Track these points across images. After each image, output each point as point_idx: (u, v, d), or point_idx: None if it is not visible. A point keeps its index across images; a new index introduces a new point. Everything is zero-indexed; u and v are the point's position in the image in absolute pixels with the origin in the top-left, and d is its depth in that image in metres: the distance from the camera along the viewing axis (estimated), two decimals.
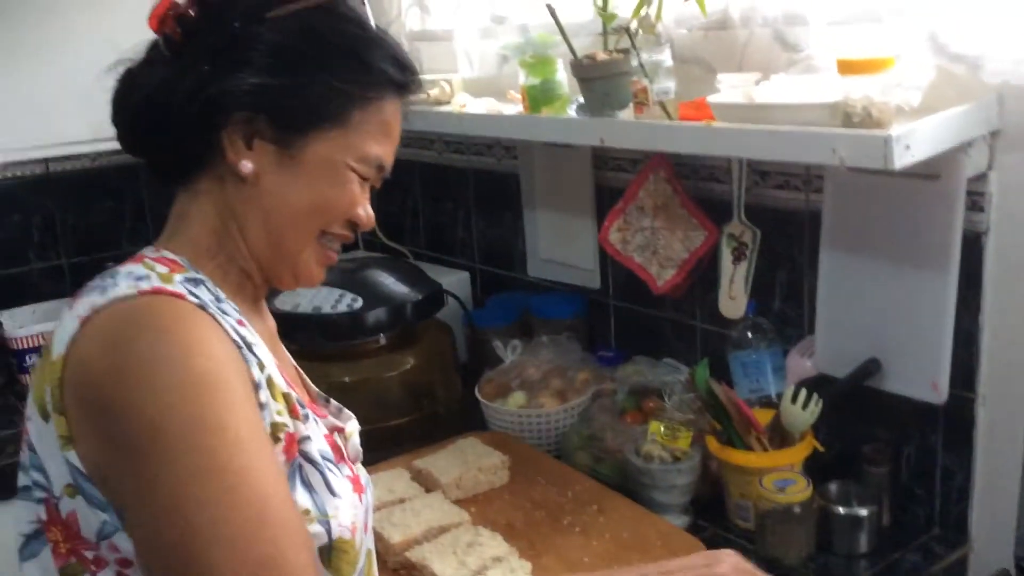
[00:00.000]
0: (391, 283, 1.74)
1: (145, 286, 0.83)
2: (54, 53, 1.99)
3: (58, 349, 0.82)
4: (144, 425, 0.75)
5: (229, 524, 0.74)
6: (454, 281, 2.12)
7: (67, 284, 2.37)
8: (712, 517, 1.47)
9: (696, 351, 1.73)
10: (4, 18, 1.95)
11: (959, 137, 1.21)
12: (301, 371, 1.07)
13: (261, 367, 0.86)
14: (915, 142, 1.14)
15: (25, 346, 2.08)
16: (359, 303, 1.66)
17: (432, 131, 2.11)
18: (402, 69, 0.95)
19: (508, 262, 2.13)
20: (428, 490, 1.51)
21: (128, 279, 0.84)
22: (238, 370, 0.82)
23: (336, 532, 0.87)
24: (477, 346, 1.96)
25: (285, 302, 1.71)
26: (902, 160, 1.14)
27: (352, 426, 1.04)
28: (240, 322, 0.88)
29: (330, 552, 0.86)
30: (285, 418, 0.86)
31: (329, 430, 0.96)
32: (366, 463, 1.58)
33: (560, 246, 1.96)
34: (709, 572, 0.90)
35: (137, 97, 0.91)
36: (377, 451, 1.65)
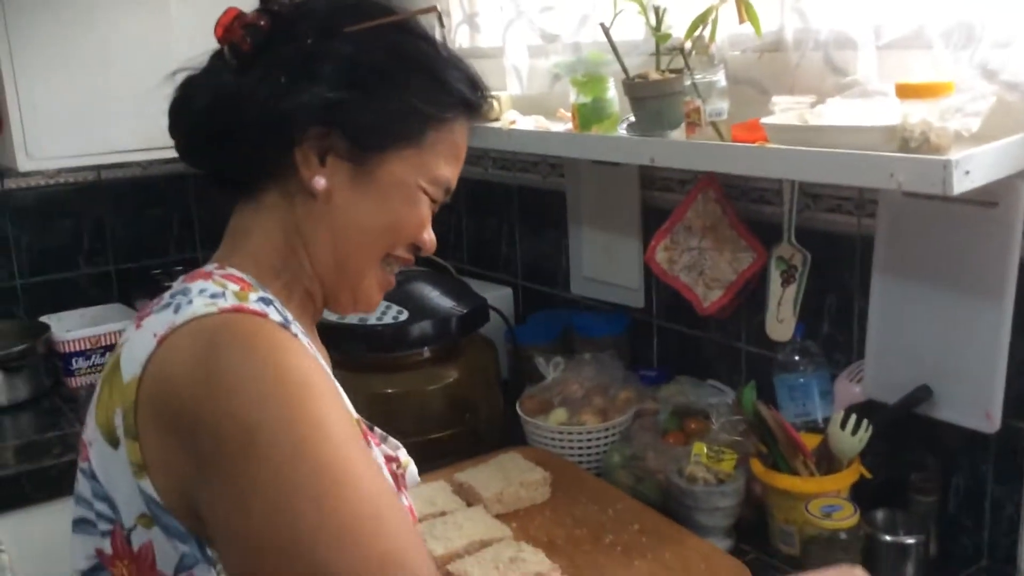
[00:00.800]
0: (436, 297, 1.74)
1: (224, 304, 0.80)
2: (107, 63, 2.03)
3: (131, 370, 0.79)
4: (240, 432, 0.72)
5: (346, 520, 0.70)
6: (497, 297, 2.13)
7: (114, 290, 2.41)
8: (755, 541, 1.46)
9: (740, 372, 1.72)
10: (58, 28, 1.99)
11: (1019, 164, 1.19)
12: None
13: (337, 385, 0.85)
14: (974, 168, 1.13)
15: (72, 349, 2.12)
16: (404, 315, 1.67)
17: (480, 147, 2.13)
18: (476, 90, 0.94)
19: (551, 279, 2.13)
20: (470, 504, 1.51)
21: (203, 296, 0.81)
22: (327, 378, 0.81)
23: None
24: (519, 362, 1.96)
25: (331, 313, 1.72)
26: (961, 186, 1.12)
27: (404, 455, 1.02)
28: (310, 351, 0.85)
29: None
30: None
31: (386, 459, 0.94)
32: None
33: (604, 264, 1.96)
34: None
35: (200, 106, 0.89)
36: (419, 464, 1.63)
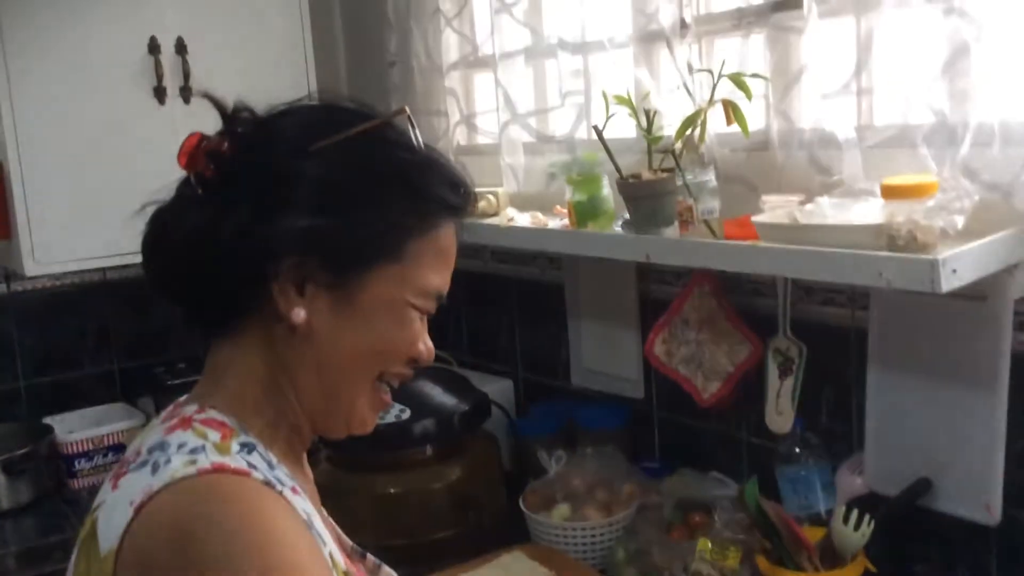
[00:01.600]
0: (438, 393, 1.76)
1: (204, 463, 0.76)
2: (115, 164, 2.08)
3: (108, 542, 0.75)
4: None
5: None
6: (497, 389, 2.14)
7: (117, 389, 2.42)
8: None
9: (742, 464, 1.72)
10: (65, 132, 2.05)
11: (1005, 260, 1.22)
12: (335, 527, 0.97)
13: (324, 544, 0.81)
14: (961, 266, 1.16)
15: (75, 451, 2.12)
16: (407, 414, 1.68)
17: (479, 243, 2.16)
18: (457, 191, 0.89)
19: (552, 371, 2.14)
20: None
21: (181, 454, 0.77)
22: (312, 550, 0.76)
23: None
24: (521, 455, 1.97)
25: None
26: (949, 283, 1.15)
27: None
28: (294, 489, 0.81)
29: None
30: None
31: None
32: None
33: (604, 356, 1.98)
34: None
35: (171, 242, 0.85)
36: (423, 565, 1.65)
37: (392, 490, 1.69)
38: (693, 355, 1.72)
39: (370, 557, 0.99)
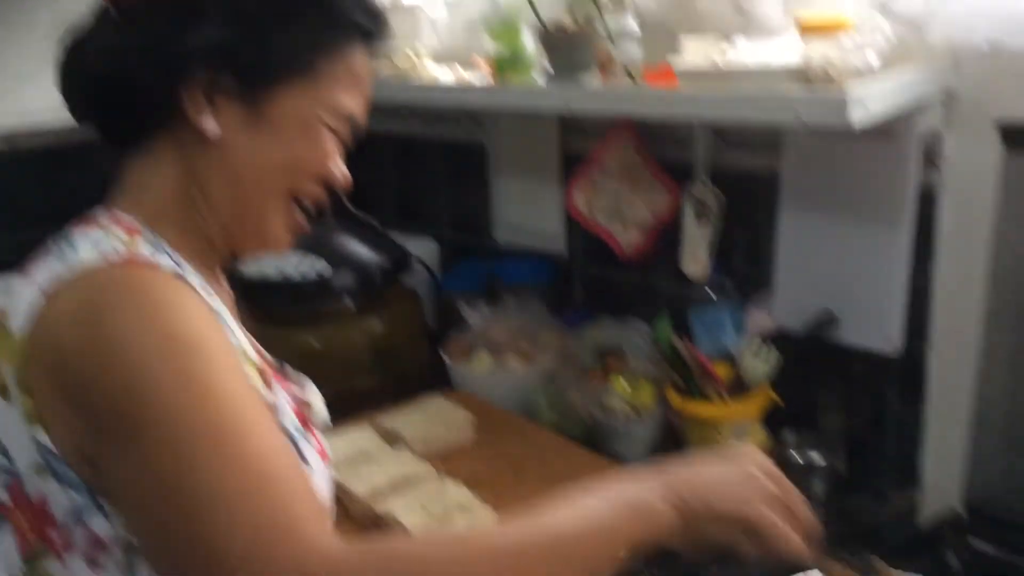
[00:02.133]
0: (359, 248, 1.75)
1: (111, 254, 0.78)
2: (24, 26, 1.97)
3: (19, 325, 0.77)
4: (130, 397, 0.71)
5: (227, 484, 0.69)
6: (422, 250, 2.14)
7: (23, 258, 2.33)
8: None
9: (660, 310, 1.76)
10: None
11: (915, 97, 1.25)
12: (254, 340, 1.00)
13: (234, 336, 0.84)
14: (872, 102, 1.18)
15: None
16: (327, 268, 1.67)
17: (398, 101, 2.12)
18: (369, 15, 0.91)
19: (476, 230, 2.15)
20: (394, 447, 1.54)
21: (88, 244, 0.79)
22: (220, 336, 0.79)
23: None
24: (445, 312, 1.99)
25: (251, 268, 1.72)
26: (860, 119, 1.17)
27: (314, 394, 1.01)
28: (205, 290, 0.84)
29: None
30: (261, 388, 0.84)
31: (295, 400, 0.93)
32: (333, 424, 1.61)
33: (527, 212, 1.99)
34: (743, 485, 0.87)
35: (87, 64, 0.87)
36: (345, 414, 1.67)
37: (313, 343, 1.70)
38: (613, 206, 1.74)
39: (289, 368, 1.02)
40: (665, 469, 0.87)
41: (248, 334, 0.97)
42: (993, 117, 1.21)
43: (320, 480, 0.89)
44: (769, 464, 0.90)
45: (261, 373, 0.87)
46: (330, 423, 1.02)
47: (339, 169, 0.93)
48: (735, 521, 0.85)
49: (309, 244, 1.75)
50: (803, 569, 1.02)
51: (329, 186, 0.93)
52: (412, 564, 0.71)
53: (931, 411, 1.38)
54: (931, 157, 1.31)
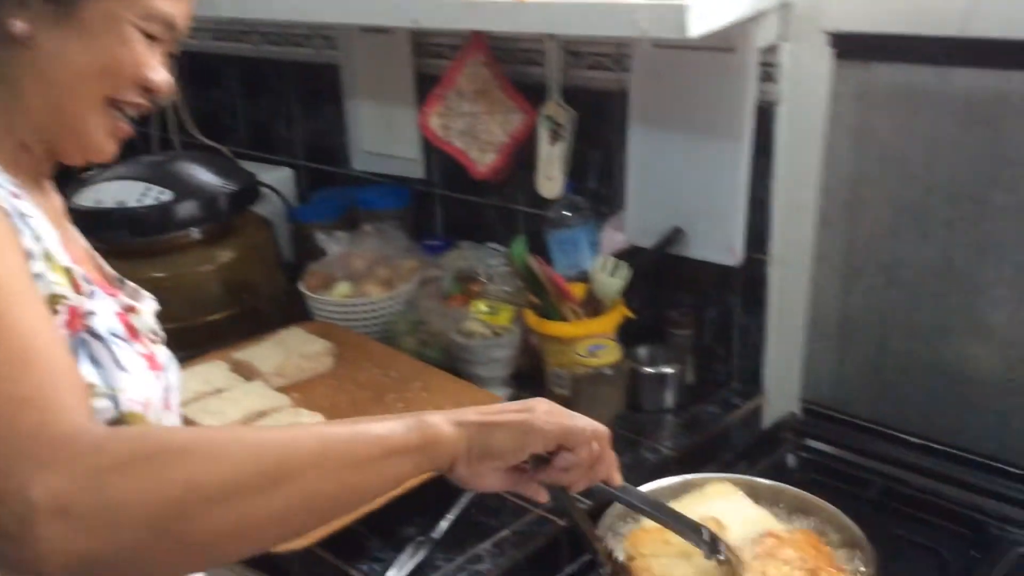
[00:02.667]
0: (202, 175, 1.67)
1: None
2: None
3: None
4: None
5: None
6: (277, 178, 2.07)
7: None
8: (533, 388, 1.52)
9: (519, 234, 1.76)
10: None
11: (752, 7, 1.26)
12: (96, 254, 1.01)
13: (37, 239, 0.81)
14: (709, 11, 1.19)
15: None
16: (168, 196, 1.59)
17: (242, 18, 2.03)
18: None
19: (332, 157, 2.09)
20: (249, 380, 1.50)
21: None
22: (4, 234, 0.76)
23: (125, 406, 0.84)
24: (302, 242, 1.93)
25: (87, 197, 1.63)
26: (698, 28, 1.18)
27: (147, 304, 0.99)
28: (14, 194, 0.82)
29: (120, 424, 0.83)
30: (65, 290, 0.82)
31: (121, 308, 0.91)
32: (183, 360, 1.55)
33: (384, 137, 1.94)
34: (525, 413, 0.86)
35: None
36: (195, 347, 1.61)
37: (159, 274, 1.62)
38: (468, 127, 1.71)
39: (129, 283, 1.01)
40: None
41: (87, 245, 0.99)
42: (825, 27, 1.23)
43: (142, 386, 0.87)
44: (558, 407, 0.89)
45: (70, 274, 0.84)
46: (159, 332, 0.99)
47: (160, 76, 0.90)
48: (520, 428, 0.84)
49: (149, 172, 1.66)
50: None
51: (150, 93, 0.91)
52: (170, 448, 0.68)
53: (772, 320, 1.43)
54: (769, 70, 1.33)
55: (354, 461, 0.74)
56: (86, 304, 0.84)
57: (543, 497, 0.91)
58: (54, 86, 0.85)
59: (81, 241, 1.00)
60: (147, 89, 0.90)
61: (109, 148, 0.92)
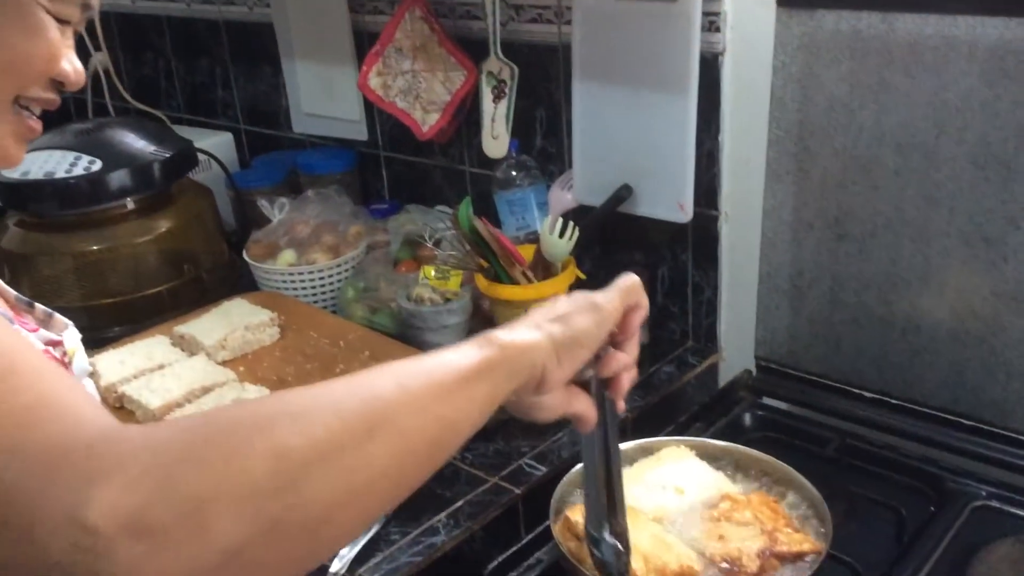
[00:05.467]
0: (134, 142, 1.60)
1: None
2: None
3: None
4: None
5: None
6: (217, 143, 2.00)
7: None
8: None
9: (467, 195, 1.72)
10: None
11: None
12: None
13: None
14: None
15: None
16: (97, 165, 1.52)
17: None
18: None
19: (272, 120, 2.02)
20: (192, 355, 1.45)
21: None
22: None
23: None
24: (244, 208, 1.87)
25: (13, 170, 1.55)
26: None
27: (71, 337, 0.88)
28: None
29: None
30: None
31: (45, 344, 0.81)
32: (122, 336, 1.50)
33: (324, 98, 1.88)
34: (574, 299, 0.81)
35: None
36: (136, 322, 1.56)
37: (92, 247, 1.56)
38: (410, 86, 1.65)
39: (39, 307, 0.89)
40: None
41: None
42: None
43: None
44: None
45: None
46: (89, 370, 0.90)
47: (72, 65, 0.78)
48: (586, 307, 0.79)
49: (77, 140, 1.59)
50: None
51: (61, 86, 0.78)
52: (241, 422, 0.57)
53: (725, 277, 1.41)
54: (712, 19, 1.29)
55: (441, 392, 0.65)
56: None
57: (594, 416, 0.82)
58: None
59: None
60: (57, 81, 0.78)
61: (17, 153, 0.79)
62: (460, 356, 0.68)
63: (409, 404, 0.62)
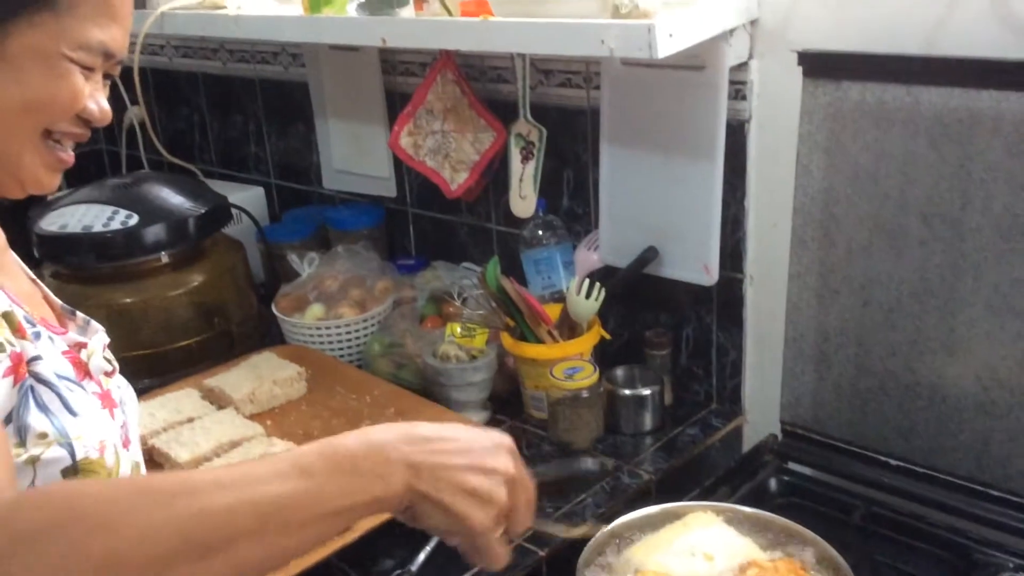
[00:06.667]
0: (170, 197, 1.64)
1: None
2: None
3: None
4: None
5: None
6: (248, 197, 2.04)
7: None
8: (510, 411, 1.51)
9: (493, 253, 1.74)
10: None
11: (720, 25, 1.25)
12: (41, 285, 0.98)
13: None
14: (678, 30, 1.17)
15: None
16: (134, 219, 1.56)
17: (210, 37, 2.00)
18: None
19: (303, 176, 2.06)
20: (220, 408, 1.47)
21: None
22: None
23: (81, 453, 0.81)
24: (273, 263, 1.90)
25: (52, 223, 1.59)
26: (666, 48, 1.16)
27: (96, 340, 0.95)
28: None
29: (76, 474, 0.80)
30: (7, 336, 0.79)
31: (69, 347, 0.88)
32: (153, 387, 1.52)
33: (354, 156, 1.92)
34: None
35: None
36: (166, 374, 1.58)
37: (127, 300, 1.59)
38: (439, 146, 1.69)
39: (80, 315, 0.98)
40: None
41: (32, 276, 0.96)
42: (794, 45, 1.22)
43: (95, 429, 0.84)
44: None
45: (9, 319, 0.81)
46: (113, 366, 0.96)
47: (98, 105, 0.87)
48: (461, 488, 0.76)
49: (115, 195, 1.63)
50: None
51: (88, 123, 0.88)
52: (87, 517, 0.62)
53: (749, 339, 1.41)
54: (739, 88, 1.32)
55: (290, 528, 0.68)
56: (30, 349, 0.81)
57: None
58: None
59: (25, 274, 0.97)
60: (85, 120, 0.87)
61: (49, 181, 0.88)
62: (331, 492, 0.69)
63: (255, 537, 0.66)
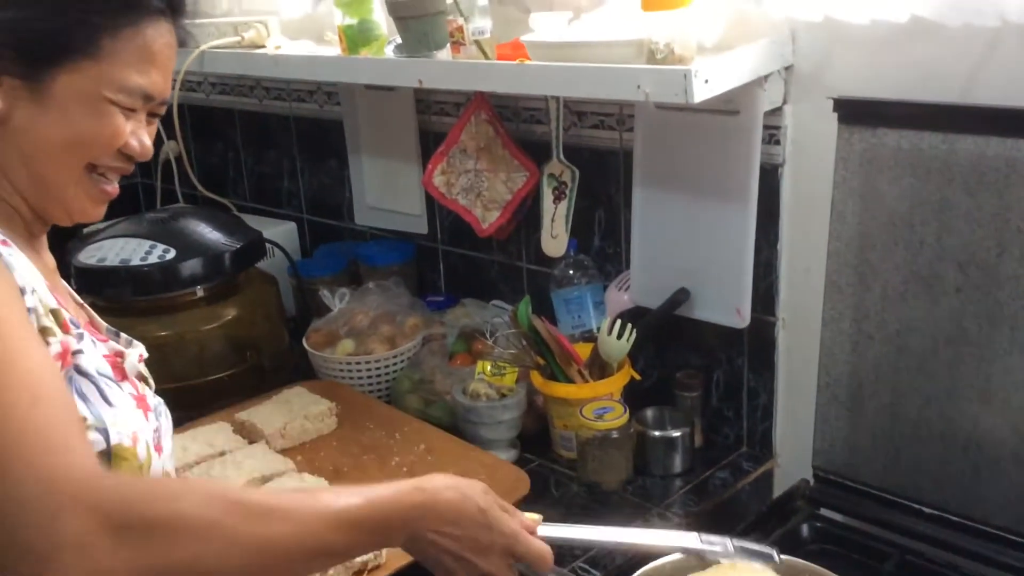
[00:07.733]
0: (206, 232, 1.67)
1: None
2: None
3: None
4: None
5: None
6: (280, 232, 2.07)
7: None
8: (538, 450, 1.51)
9: (523, 292, 1.75)
10: None
11: (755, 71, 1.26)
12: (87, 308, 1.04)
13: (24, 287, 0.84)
14: (713, 76, 1.19)
15: None
16: (171, 254, 1.59)
17: (248, 75, 2.04)
18: None
19: (335, 211, 2.09)
20: (252, 442, 1.48)
21: None
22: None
23: (115, 439, 0.87)
24: (305, 297, 1.92)
25: (91, 256, 1.62)
26: (701, 94, 1.18)
27: (135, 350, 1.02)
28: (4, 242, 0.86)
29: (109, 458, 0.86)
30: (52, 325, 0.86)
31: (110, 352, 0.95)
32: (185, 420, 1.54)
33: (387, 193, 1.94)
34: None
35: None
36: (199, 407, 1.60)
37: (162, 333, 1.61)
38: (472, 185, 1.71)
39: (124, 336, 1.05)
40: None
41: (79, 300, 1.02)
42: (829, 91, 1.23)
43: (129, 422, 0.90)
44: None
45: (57, 315, 0.87)
46: (149, 378, 1.03)
47: (139, 142, 0.94)
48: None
49: (152, 229, 1.66)
50: None
51: (130, 159, 0.95)
52: (190, 525, 0.73)
53: (781, 383, 1.41)
54: (773, 132, 1.33)
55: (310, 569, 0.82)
56: (73, 343, 0.87)
57: None
58: (32, 159, 0.90)
59: (72, 296, 1.03)
60: (127, 155, 0.94)
61: (94, 211, 0.96)
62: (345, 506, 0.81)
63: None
